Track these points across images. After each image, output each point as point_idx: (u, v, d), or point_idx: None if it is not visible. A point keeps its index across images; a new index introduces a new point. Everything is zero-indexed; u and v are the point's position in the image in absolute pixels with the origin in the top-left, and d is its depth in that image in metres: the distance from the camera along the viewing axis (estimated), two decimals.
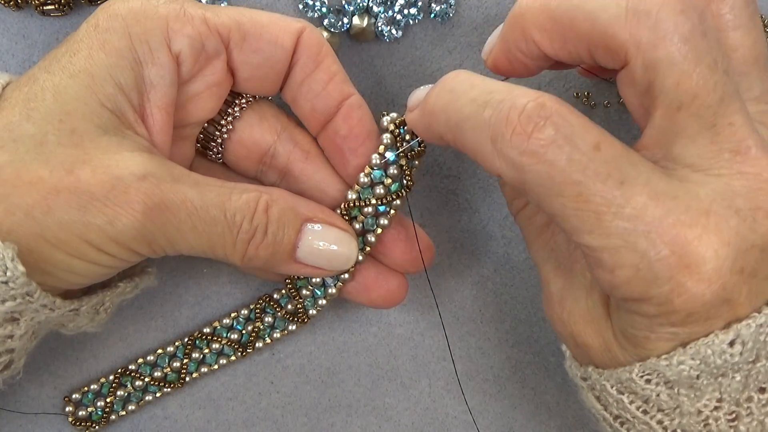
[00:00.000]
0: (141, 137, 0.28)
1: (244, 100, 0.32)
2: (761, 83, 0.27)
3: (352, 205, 0.32)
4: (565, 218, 0.24)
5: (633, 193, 0.23)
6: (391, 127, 0.31)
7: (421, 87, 0.30)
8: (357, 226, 0.32)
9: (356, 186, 0.32)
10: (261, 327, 0.35)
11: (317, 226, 0.30)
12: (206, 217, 0.28)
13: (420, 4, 0.36)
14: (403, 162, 0.31)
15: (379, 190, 0.32)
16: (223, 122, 0.32)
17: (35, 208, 0.26)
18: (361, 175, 0.31)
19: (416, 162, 0.32)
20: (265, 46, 0.30)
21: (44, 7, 0.34)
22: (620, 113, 0.39)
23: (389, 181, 0.32)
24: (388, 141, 0.31)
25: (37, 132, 0.26)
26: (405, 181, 0.32)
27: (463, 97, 0.26)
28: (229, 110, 0.32)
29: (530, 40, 0.27)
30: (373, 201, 0.32)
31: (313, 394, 0.37)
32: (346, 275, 0.33)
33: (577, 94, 0.38)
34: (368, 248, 0.33)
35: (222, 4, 0.35)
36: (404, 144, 0.31)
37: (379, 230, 0.32)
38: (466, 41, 0.37)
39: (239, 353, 0.35)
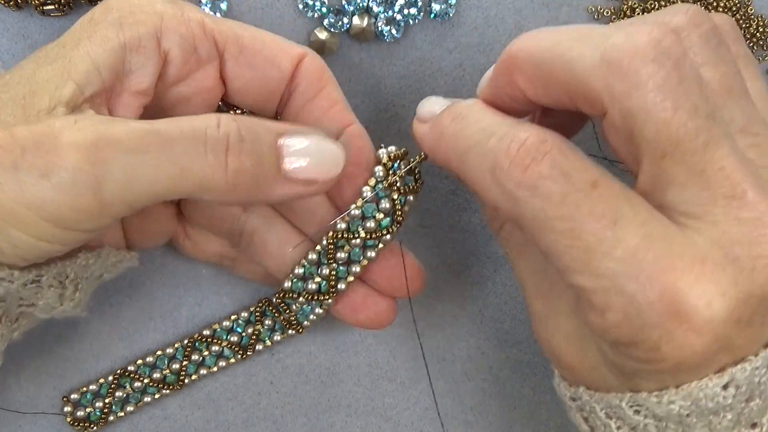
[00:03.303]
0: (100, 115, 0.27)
1: (238, 110, 0.32)
2: (742, 112, 0.25)
3: (340, 236, 0.31)
4: (557, 256, 0.23)
5: (626, 234, 0.22)
6: (385, 159, 0.31)
7: (432, 97, 0.30)
8: (343, 255, 0.32)
9: (347, 217, 0.31)
10: (261, 330, 0.35)
11: (293, 138, 0.28)
12: (158, 141, 0.25)
13: (420, 4, 0.36)
14: (395, 196, 0.31)
15: (370, 224, 0.31)
16: None
17: None
18: (353, 207, 0.31)
19: (411, 198, 0.31)
20: (261, 62, 0.30)
21: (44, 7, 0.34)
22: None
23: (381, 215, 0.31)
24: (380, 174, 0.31)
25: None
26: (396, 217, 0.31)
27: (474, 125, 0.26)
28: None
29: (515, 85, 0.27)
30: (362, 234, 0.31)
31: (313, 394, 0.37)
32: (330, 300, 0.32)
33: None
34: (351, 278, 0.32)
35: (222, 5, 0.35)
36: (398, 179, 0.31)
37: (365, 261, 0.32)
38: (466, 41, 0.37)
39: (239, 356, 0.35)
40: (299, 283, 0.33)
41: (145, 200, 0.26)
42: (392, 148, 0.31)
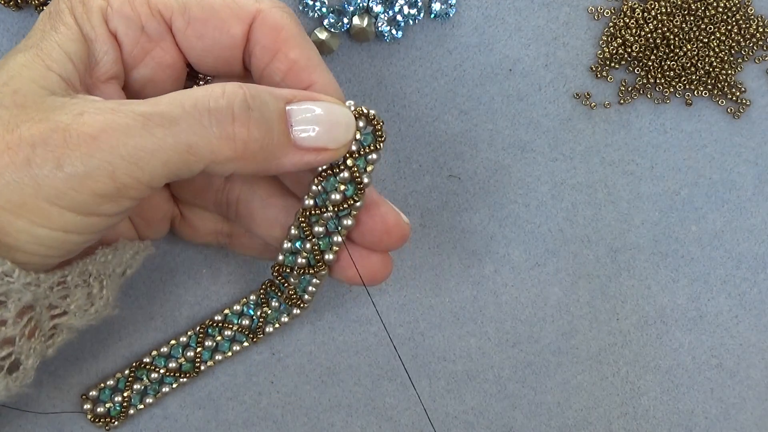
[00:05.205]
0: (93, 97, 0.27)
1: (209, 78, 0.32)
2: None
3: (309, 213, 0.31)
4: None
5: None
6: None
7: None
8: (320, 229, 0.31)
9: (311, 193, 0.30)
10: (268, 312, 0.35)
11: (301, 105, 0.27)
12: (161, 121, 0.25)
13: (420, 4, 0.36)
14: (350, 162, 0.29)
15: (335, 196, 0.30)
16: None
17: None
18: (312, 185, 0.30)
19: (373, 156, 0.29)
20: (209, 31, 0.29)
21: (44, 7, 0.34)
22: (620, 113, 0.39)
23: (343, 187, 0.30)
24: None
25: None
26: (357, 183, 0.30)
27: None
28: (195, 86, 0.32)
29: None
30: (331, 207, 0.30)
31: (313, 394, 0.37)
32: (323, 272, 0.32)
33: (577, 94, 0.38)
34: (335, 248, 0.32)
35: None
36: (358, 144, 0.29)
37: (344, 231, 0.31)
38: (466, 41, 0.37)
39: (251, 339, 0.35)
40: (291, 257, 0.33)
41: (160, 179, 0.26)
42: (350, 102, 0.29)
